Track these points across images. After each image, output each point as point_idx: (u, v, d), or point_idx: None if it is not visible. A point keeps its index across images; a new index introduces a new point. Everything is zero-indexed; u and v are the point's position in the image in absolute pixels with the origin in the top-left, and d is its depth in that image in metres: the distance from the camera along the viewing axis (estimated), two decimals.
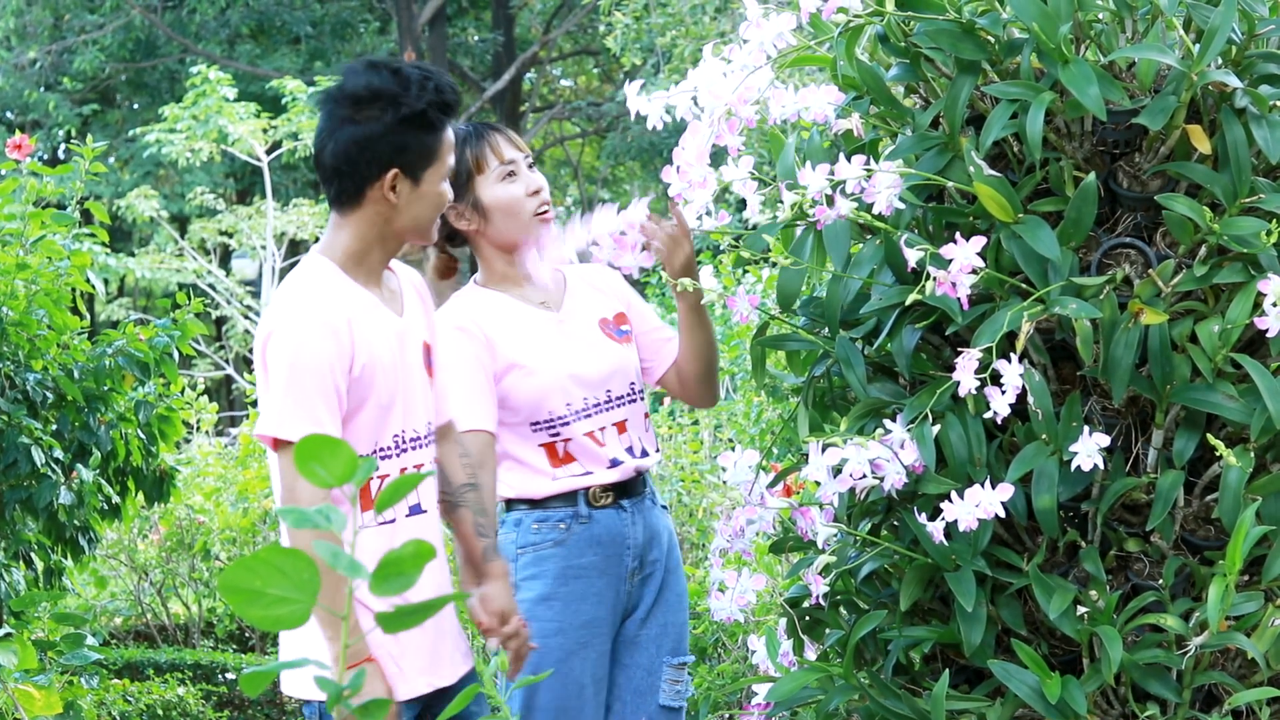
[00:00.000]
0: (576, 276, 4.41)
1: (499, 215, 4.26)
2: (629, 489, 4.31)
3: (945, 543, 3.39)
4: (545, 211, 4.28)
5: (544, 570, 4.23)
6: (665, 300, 12.39)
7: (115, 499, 6.24)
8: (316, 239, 19.52)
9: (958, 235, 3.31)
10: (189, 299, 6.31)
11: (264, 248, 18.95)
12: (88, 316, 6.60)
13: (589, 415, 4.27)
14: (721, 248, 3.95)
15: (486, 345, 4.20)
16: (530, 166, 4.29)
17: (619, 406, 4.32)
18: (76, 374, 6.00)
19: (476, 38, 31.60)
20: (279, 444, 3.66)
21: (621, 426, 4.32)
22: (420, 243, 3.88)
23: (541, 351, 4.25)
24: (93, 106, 28.15)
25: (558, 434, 4.25)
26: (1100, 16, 3.54)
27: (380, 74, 3.72)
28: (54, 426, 6.00)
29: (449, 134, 3.77)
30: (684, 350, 4.34)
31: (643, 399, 4.39)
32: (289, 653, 3.77)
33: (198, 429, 10.55)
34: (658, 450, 4.40)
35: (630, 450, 4.32)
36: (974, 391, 3.32)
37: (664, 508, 4.43)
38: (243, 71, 26.09)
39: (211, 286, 19.59)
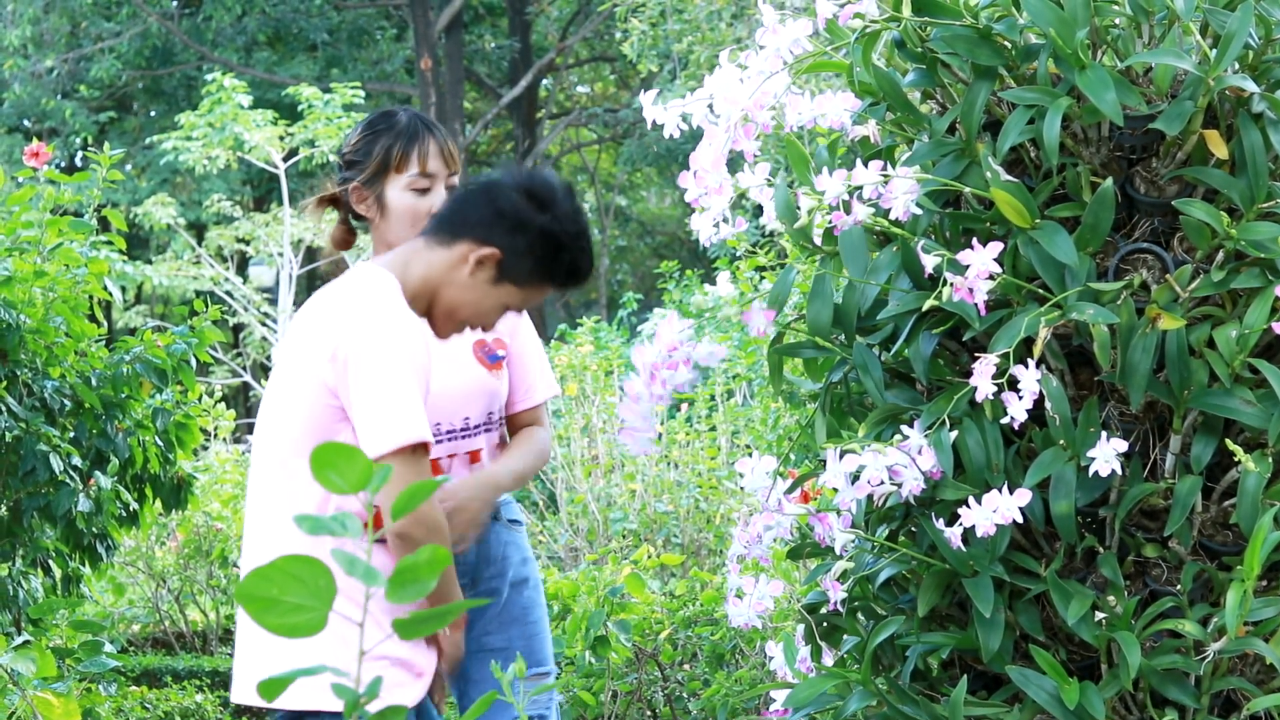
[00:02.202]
0: None
1: (396, 219, 4.21)
2: None
3: (963, 548, 3.39)
4: None
5: None
6: (683, 306, 12.40)
7: (133, 506, 6.25)
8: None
9: (975, 241, 3.31)
10: (206, 306, 6.32)
11: (281, 255, 18.97)
12: (105, 324, 6.62)
13: (439, 442, 4.19)
14: (738, 254, 3.95)
15: None
16: (452, 185, 4.23)
17: (474, 435, 4.25)
18: (94, 381, 6.01)
19: (493, 44, 31.65)
20: (400, 450, 3.59)
21: (475, 456, 4.26)
22: (450, 329, 3.85)
23: None
24: (110, 114, 28.25)
25: None
26: (1117, 21, 3.54)
27: (568, 198, 3.79)
28: (72, 434, 6.01)
29: (543, 292, 3.81)
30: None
31: (500, 426, 4.33)
32: (259, 659, 3.76)
33: (215, 436, 10.57)
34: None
35: None
36: (991, 397, 3.32)
37: (514, 522, 4.38)
38: (259, 79, 26.16)
39: (229, 293, 19.63)
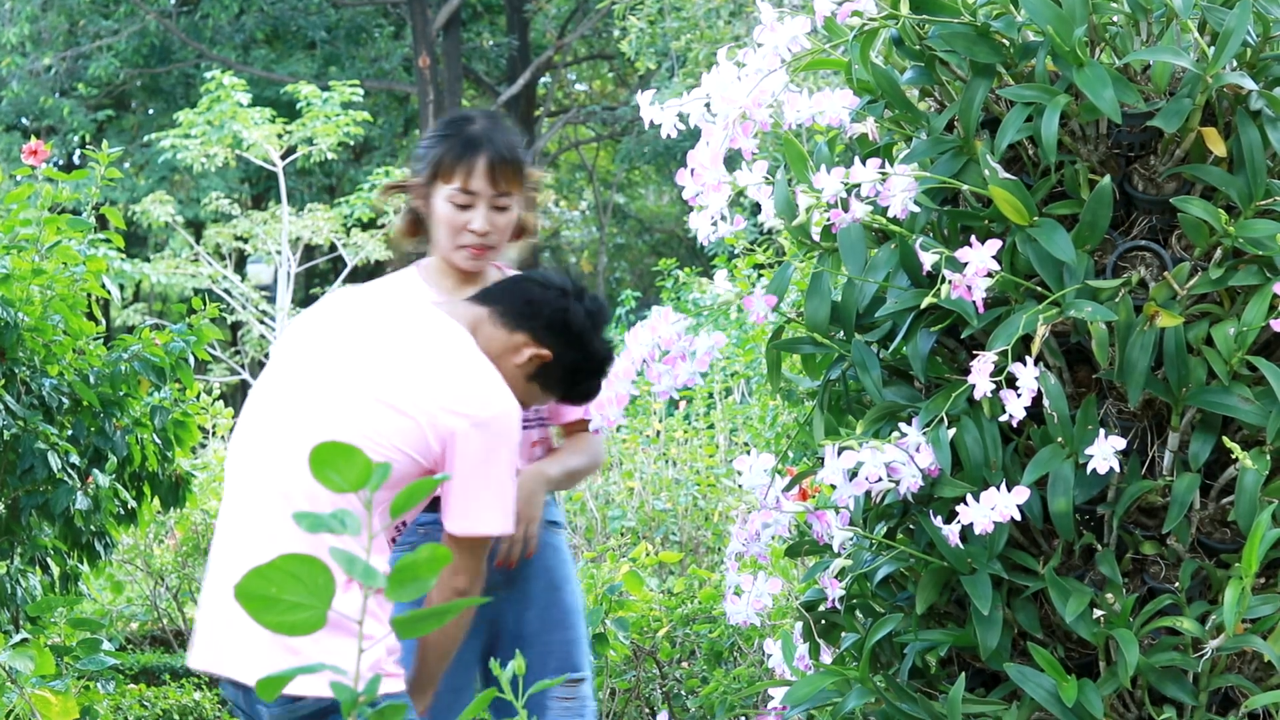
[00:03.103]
0: None
1: (436, 225, 4.21)
2: None
3: (961, 546, 3.39)
4: (476, 248, 4.21)
5: None
6: (681, 304, 12.40)
7: (131, 504, 6.25)
8: (332, 245, 19.54)
9: (973, 238, 3.30)
10: (204, 304, 6.31)
11: (279, 253, 18.97)
12: (103, 322, 6.61)
13: None
14: (736, 252, 3.95)
15: None
16: (501, 206, 4.20)
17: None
18: (92, 379, 6.01)
19: (491, 42, 31.62)
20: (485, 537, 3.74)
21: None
22: None
23: None
24: (108, 112, 28.21)
25: None
26: (1115, 19, 3.54)
27: (607, 348, 3.95)
28: (70, 432, 6.01)
29: (549, 400, 3.95)
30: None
31: (541, 427, 4.36)
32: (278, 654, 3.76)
33: (213, 434, 10.56)
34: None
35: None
36: (990, 394, 3.32)
37: (553, 523, 4.38)
38: (257, 77, 26.15)
39: (227, 291, 19.63)
